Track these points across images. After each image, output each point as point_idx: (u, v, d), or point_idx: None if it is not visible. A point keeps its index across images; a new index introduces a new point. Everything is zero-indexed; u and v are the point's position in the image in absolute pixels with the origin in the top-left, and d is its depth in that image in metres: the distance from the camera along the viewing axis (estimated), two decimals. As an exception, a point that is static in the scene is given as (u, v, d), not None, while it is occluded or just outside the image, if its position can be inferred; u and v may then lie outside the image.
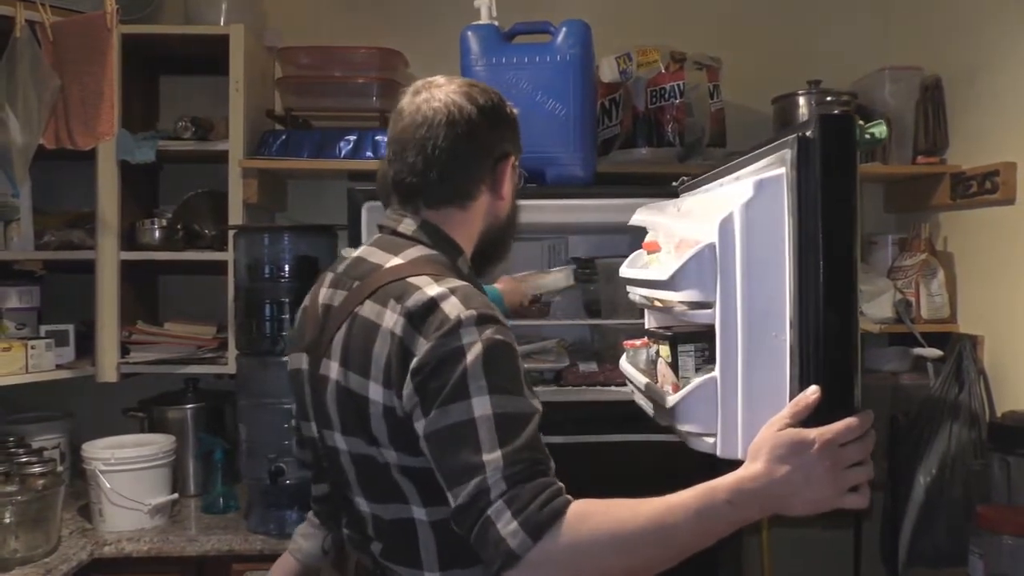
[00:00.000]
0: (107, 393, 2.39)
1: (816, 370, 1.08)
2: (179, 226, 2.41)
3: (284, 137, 2.38)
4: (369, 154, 2.34)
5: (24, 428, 2.32)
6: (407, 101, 1.27)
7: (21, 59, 2.11)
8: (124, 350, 2.35)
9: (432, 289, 1.11)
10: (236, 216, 2.32)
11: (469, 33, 2.13)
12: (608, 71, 2.33)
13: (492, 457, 1.01)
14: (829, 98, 2.40)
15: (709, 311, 1.24)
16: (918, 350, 2.33)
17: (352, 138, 2.37)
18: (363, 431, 1.14)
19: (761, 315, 1.16)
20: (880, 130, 1.15)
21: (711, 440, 1.24)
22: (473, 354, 1.05)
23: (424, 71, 2.33)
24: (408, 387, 1.07)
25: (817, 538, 2.51)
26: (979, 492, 1.99)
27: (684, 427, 1.30)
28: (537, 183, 2.10)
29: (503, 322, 1.11)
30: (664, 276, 1.31)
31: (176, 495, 2.22)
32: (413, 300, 1.10)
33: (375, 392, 1.11)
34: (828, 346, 1.07)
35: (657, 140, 2.40)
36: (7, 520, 1.89)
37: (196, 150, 2.36)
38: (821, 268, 1.07)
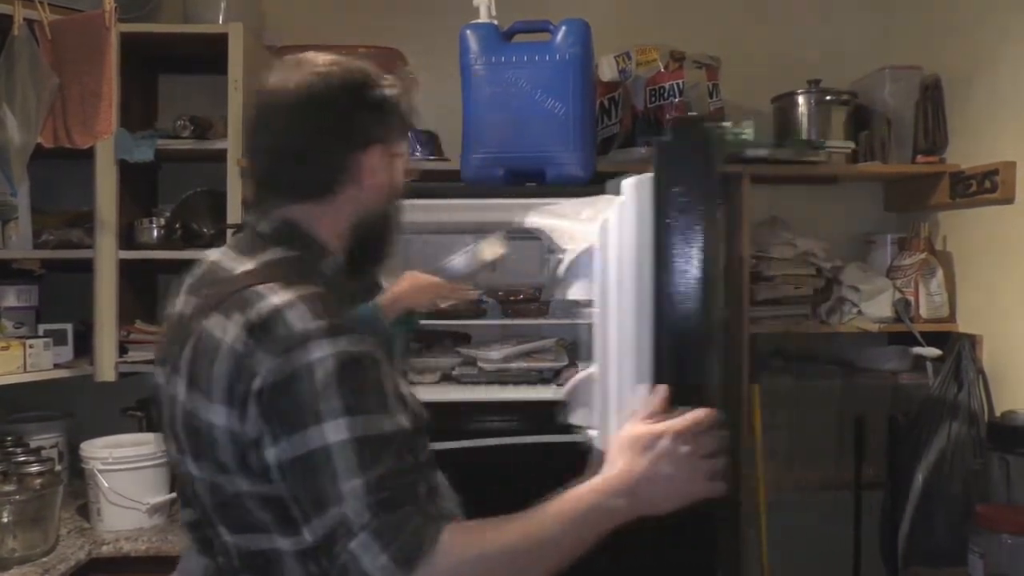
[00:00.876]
0: (105, 392, 2.38)
1: (670, 367, 1.11)
2: (178, 225, 2.41)
3: (283, 136, 2.37)
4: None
5: (22, 427, 2.32)
6: (268, 79, 1.12)
7: (19, 58, 2.11)
8: (122, 349, 2.34)
9: (277, 297, 0.98)
10: (235, 215, 2.31)
11: (468, 32, 2.13)
12: (607, 70, 2.33)
13: (351, 486, 0.91)
14: (829, 97, 2.41)
15: (597, 309, 1.28)
16: (917, 349, 2.34)
17: (351, 137, 2.36)
18: (210, 458, 1.02)
19: (631, 312, 1.19)
20: (749, 131, 1.18)
21: (593, 433, 1.28)
22: (323, 371, 0.93)
23: (423, 70, 2.37)
24: (252, 410, 0.96)
25: (817, 536, 2.51)
26: (978, 491, 1.99)
27: (571, 420, 1.35)
28: (537, 182, 2.10)
29: (360, 332, 1.00)
30: (560, 275, 1.38)
31: (174, 494, 2.22)
32: (256, 311, 0.97)
33: (219, 415, 0.99)
34: (681, 344, 1.11)
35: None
36: (5, 519, 1.88)
37: (195, 149, 2.36)
38: (674, 267, 1.11)
